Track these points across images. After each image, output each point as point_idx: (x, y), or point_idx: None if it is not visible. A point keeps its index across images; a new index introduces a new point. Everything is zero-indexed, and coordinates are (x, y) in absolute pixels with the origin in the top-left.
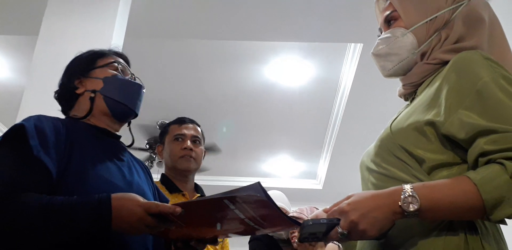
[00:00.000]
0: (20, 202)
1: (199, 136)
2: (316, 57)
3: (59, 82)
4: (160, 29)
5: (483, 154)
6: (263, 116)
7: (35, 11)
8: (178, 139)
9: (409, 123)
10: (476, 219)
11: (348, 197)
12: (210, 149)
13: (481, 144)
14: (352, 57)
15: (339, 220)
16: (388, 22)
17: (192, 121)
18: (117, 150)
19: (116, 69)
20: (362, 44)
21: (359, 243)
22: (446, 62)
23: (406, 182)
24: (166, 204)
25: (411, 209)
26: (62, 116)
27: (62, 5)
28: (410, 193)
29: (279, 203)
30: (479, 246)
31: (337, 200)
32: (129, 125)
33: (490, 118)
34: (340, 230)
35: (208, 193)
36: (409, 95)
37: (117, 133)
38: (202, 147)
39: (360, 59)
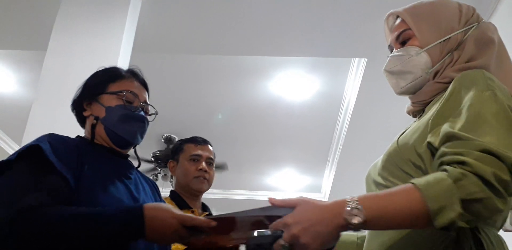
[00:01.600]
0: (53, 213)
1: (213, 157)
2: (321, 72)
3: (73, 101)
4: (166, 44)
5: (440, 156)
6: (268, 131)
7: (44, 27)
8: (194, 160)
9: (415, 139)
10: (422, 228)
11: (295, 204)
12: (220, 167)
13: (443, 147)
14: (356, 72)
15: (283, 232)
16: (402, 40)
17: (206, 142)
18: (125, 168)
19: (123, 98)
20: (366, 59)
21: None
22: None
23: None
24: (200, 217)
25: (355, 222)
26: (70, 131)
27: (70, 20)
28: (354, 205)
29: None
30: None
31: None
32: (134, 147)
33: (464, 129)
34: (282, 242)
35: (213, 206)
36: (418, 112)
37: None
38: (213, 168)
39: (364, 74)
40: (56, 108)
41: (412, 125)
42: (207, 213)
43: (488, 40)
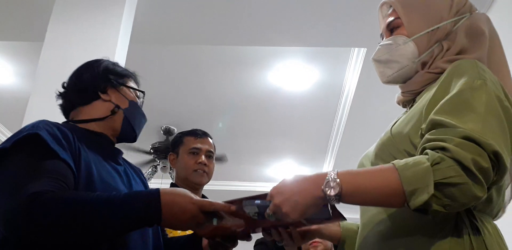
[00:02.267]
0: (68, 196)
1: (212, 150)
2: (320, 62)
3: (82, 75)
4: (164, 35)
5: (423, 143)
6: (267, 121)
7: (41, 17)
8: (193, 153)
9: (409, 129)
10: (397, 206)
11: (279, 182)
12: (219, 159)
13: (426, 135)
14: (355, 61)
15: (270, 202)
16: (391, 29)
17: (206, 135)
18: (115, 154)
19: (137, 98)
20: (365, 49)
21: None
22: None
23: None
24: (219, 202)
25: (332, 194)
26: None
27: (67, 11)
28: (333, 178)
29: None
30: (483, 249)
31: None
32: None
33: (449, 115)
34: (268, 211)
35: (212, 198)
36: (408, 102)
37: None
38: (214, 161)
39: (363, 63)
40: (54, 100)
41: (404, 115)
42: None
43: (479, 32)
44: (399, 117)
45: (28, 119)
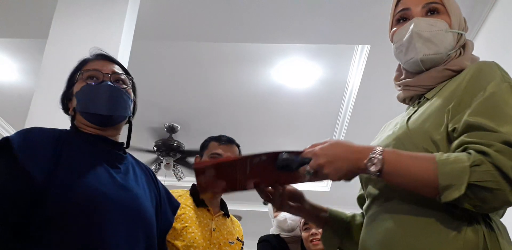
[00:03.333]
0: None
1: None
2: (324, 59)
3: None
4: (167, 31)
5: (460, 145)
6: (270, 118)
7: (44, 15)
8: (214, 158)
9: (429, 125)
10: (430, 196)
11: (325, 142)
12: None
13: (462, 137)
14: (359, 59)
15: (310, 159)
16: (431, 10)
17: (231, 142)
18: (113, 157)
19: (86, 79)
20: (369, 46)
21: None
22: (461, 71)
23: None
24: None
25: (373, 169)
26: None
27: (71, 8)
28: (378, 155)
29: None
30: (497, 247)
31: (345, 202)
32: (130, 125)
33: (485, 118)
34: (308, 168)
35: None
36: (415, 97)
37: (118, 139)
38: None
39: (367, 61)
40: (58, 97)
41: (418, 110)
42: (223, 212)
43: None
44: (409, 112)
45: (32, 116)
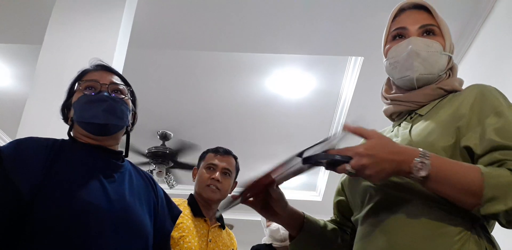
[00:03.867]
0: None
1: (230, 169)
2: (317, 70)
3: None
4: (162, 40)
5: (494, 162)
6: (264, 128)
7: (39, 20)
8: (210, 168)
9: (432, 140)
10: (468, 206)
11: (368, 136)
12: (189, 147)
13: (495, 154)
14: (352, 70)
15: (350, 158)
16: (427, 31)
17: (227, 153)
18: (108, 167)
19: (84, 89)
20: (362, 58)
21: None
22: (453, 91)
23: (426, 196)
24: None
25: (418, 174)
26: (65, 125)
27: (66, 14)
28: (425, 160)
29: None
30: None
31: None
32: (127, 135)
33: (504, 137)
34: (349, 167)
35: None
36: (404, 113)
37: (116, 149)
38: (231, 181)
39: (360, 72)
40: (51, 103)
41: (416, 125)
42: (219, 223)
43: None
44: (405, 126)
45: (25, 122)
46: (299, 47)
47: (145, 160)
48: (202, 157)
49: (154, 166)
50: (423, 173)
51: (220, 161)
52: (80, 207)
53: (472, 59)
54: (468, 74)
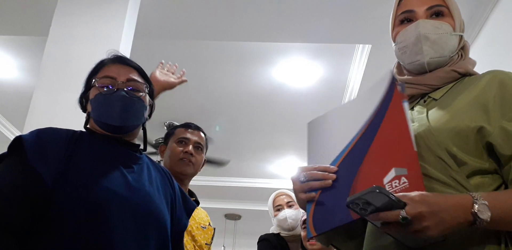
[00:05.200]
0: None
1: (202, 143)
2: (324, 58)
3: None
4: (168, 30)
5: None
6: (271, 118)
7: (45, 12)
8: (181, 142)
9: (454, 126)
10: None
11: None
12: (220, 163)
13: None
14: (360, 58)
15: (405, 204)
16: (436, 12)
17: (198, 128)
18: (127, 158)
19: (102, 86)
20: (370, 46)
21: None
22: (467, 74)
23: (443, 183)
24: None
25: (484, 218)
26: (72, 117)
27: (71, 6)
28: (481, 201)
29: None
30: None
31: None
32: (144, 130)
33: None
34: (404, 214)
35: (215, 194)
36: (416, 97)
37: (134, 142)
38: (203, 155)
39: (368, 60)
40: (58, 94)
41: (433, 109)
42: (194, 198)
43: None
44: (420, 110)
45: (32, 114)
46: (306, 35)
47: (153, 150)
48: (170, 133)
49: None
50: (487, 214)
51: (191, 134)
52: (101, 195)
53: (480, 47)
54: (477, 62)
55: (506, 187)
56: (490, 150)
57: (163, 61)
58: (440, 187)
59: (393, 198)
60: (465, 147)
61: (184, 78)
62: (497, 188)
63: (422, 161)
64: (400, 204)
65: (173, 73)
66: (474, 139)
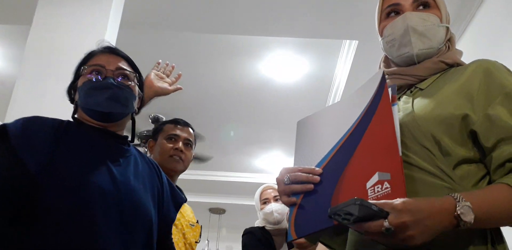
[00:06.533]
0: None
1: (191, 140)
2: (311, 53)
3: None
4: (154, 21)
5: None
6: (256, 112)
7: (28, 1)
8: (171, 139)
9: (439, 114)
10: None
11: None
12: (203, 159)
13: (505, 148)
14: (347, 54)
15: (388, 214)
16: (422, 3)
17: (187, 125)
18: (114, 150)
19: (90, 73)
20: (357, 41)
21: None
22: (455, 65)
23: (428, 172)
24: None
25: (467, 220)
26: (54, 106)
27: None
28: (464, 203)
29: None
30: None
31: None
32: (133, 121)
33: None
34: (387, 224)
35: (200, 188)
36: (403, 88)
37: (121, 134)
38: (192, 151)
39: (355, 56)
40: (41, 84)
41: (418, 99)
42: None
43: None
44: (405, 100)
45: (14, 103)
46: (293, 29)
47: (137, 142)
48: (159, 129)
49: (147, 150)
50: (471, 216)
51: (181, 131)
52: (85, 188)
53: (466, 44)
54: (463, 59)
55: (490, 177)
56: (475, 138)
57: (160, 61)
58: (424, 175)
59: (375, 209)
60: (450, 135)
61: (178, 86)
62: (483, 177)
63: (407, 150)
64: (382, 214)
65: (168, 76)
66: (459, 127)
